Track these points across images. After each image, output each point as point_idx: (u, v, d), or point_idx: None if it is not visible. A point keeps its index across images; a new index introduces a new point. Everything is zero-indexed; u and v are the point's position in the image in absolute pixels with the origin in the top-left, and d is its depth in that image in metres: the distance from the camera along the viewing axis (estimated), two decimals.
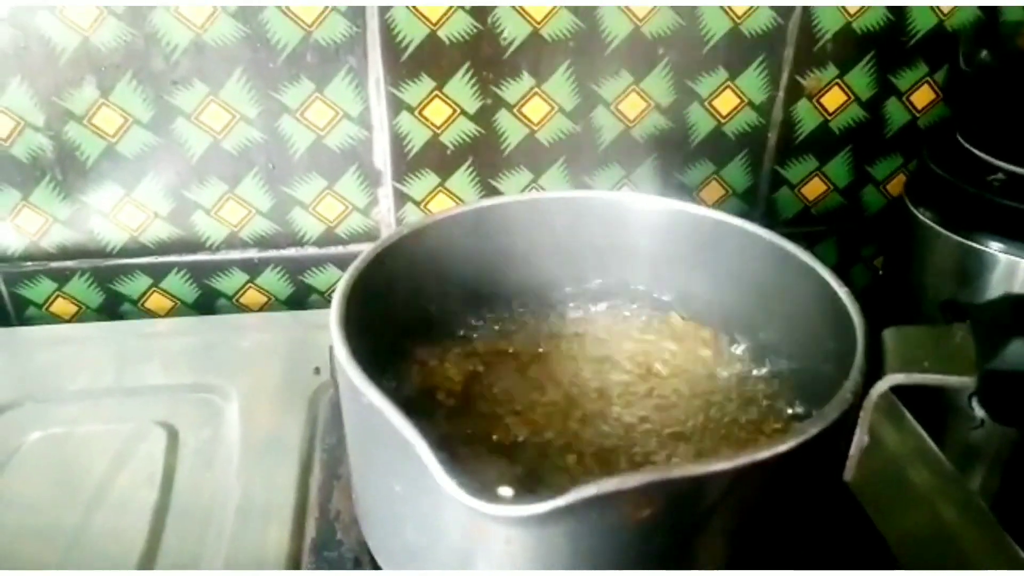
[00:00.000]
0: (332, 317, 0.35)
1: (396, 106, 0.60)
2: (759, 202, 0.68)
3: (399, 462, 0.30)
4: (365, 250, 0.40)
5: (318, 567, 0.40)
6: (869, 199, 0.69)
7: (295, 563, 0.41)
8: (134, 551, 0.42)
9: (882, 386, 0.32)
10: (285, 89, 0.59)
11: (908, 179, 0.68)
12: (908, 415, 0.41)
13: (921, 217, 0.58)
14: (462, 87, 0.60)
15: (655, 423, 0.40)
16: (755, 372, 0.44)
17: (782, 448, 0.29)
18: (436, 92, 0.60)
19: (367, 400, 0.31)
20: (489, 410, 0.41)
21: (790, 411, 0.42)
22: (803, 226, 0.70)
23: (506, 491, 0.28)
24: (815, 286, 0.39)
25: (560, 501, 0.27)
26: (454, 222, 0.44)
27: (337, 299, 0.36)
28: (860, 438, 0.33)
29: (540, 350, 0.46)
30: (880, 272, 0.72)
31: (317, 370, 0.56)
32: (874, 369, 0.33)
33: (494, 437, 0.40)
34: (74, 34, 0.55)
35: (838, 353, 0.36)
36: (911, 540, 0.40)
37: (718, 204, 0.68)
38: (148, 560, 0.42)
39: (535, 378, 0.44)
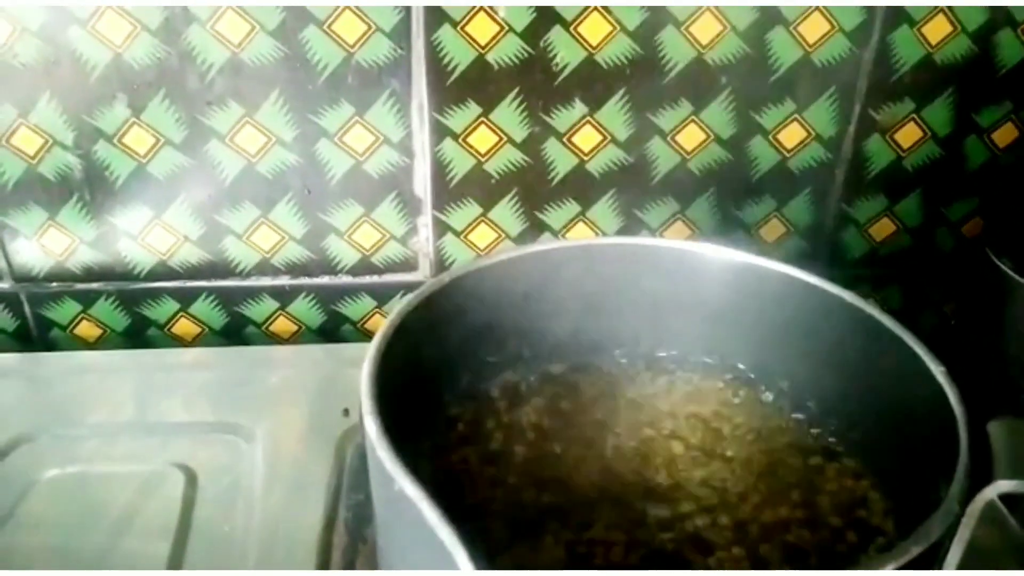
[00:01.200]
0: (363, 386, 0.32)
1: (439, 132, 0.57)
2: (823, 241, 0.64)
3: (432, 560, 0.26)
4: (398, 306, 0.37)
5: None
6: (941, 241, 0.64)
7: None
8: None
9: (989, 494, 0.28)
10: (324, 112, 0.56)
11: (987, 225, 0.63)
12: (1011, 519, 0.37)
13: (1001, 267, 0.54)
14: (510, 114, 0.56)
15: (715, 513, 0.36)
16: (825, 448, 0.39)
17: (882, 573, 0.25)
18: (482, 118, 0.56)
19: (399, 488, 0.27)
20: (530, 481, 0.38)
21: (867, 493, 0.37)
22: (869, 268, 0.65)
23: None
24: (904, 361, 0.35)
25: None
26: (497, 270, 0.41)
27: (368, 364, 0.33)
28: (957, 550, 0.29)
29: (588, 415, 0.42)
30: (952, 321, 0.67)
31: (346, 412, 0.52)
32: (979, 470, 0.29)
33: (533, 517, 0.36)
34: (106, 50, 0.52)
35: (929, 442, 0.32)
36: None
37: (779, 242, 0.63)
38: None
39: (580, 447, 0.40)
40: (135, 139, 0.56)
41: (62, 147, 0.56)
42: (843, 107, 0.58)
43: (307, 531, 0.44)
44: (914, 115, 0.59)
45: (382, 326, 0.35)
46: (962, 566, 0.31)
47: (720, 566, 0.35)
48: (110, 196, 0.58)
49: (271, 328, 0.64)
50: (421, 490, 0.27)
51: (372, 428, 0.30)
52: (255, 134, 0.56)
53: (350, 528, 0.43)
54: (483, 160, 0.58)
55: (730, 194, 0.61)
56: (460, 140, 0.57)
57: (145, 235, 0.59)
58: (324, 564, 0.42)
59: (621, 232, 0.62)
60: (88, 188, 0.57)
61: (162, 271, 0.61)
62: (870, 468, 0.39)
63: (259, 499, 0.46)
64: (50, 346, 0.63)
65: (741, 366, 0.45)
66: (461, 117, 0.56)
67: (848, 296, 0.38)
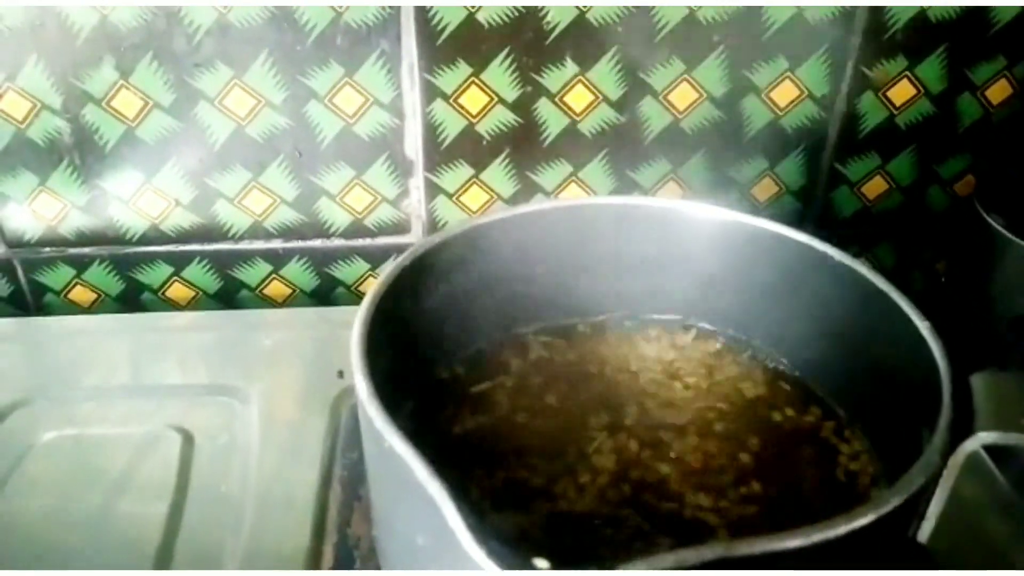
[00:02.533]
0: (353, 346, 0.32)
1: (430, 93, 0.56)
2: (815, 200, 0.64)
3: (422, 514, 0.27)
4: (388, 268, 0.37)
5: None
6: (934, 199, 0.64)
7: None
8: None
9: (971, 446, 0.28)
10: (313, 74, 0.55)
11: (979, 181, 0.63)
12: (994, 468, 0.38)
13: (992, 223, 0.54)
14: (501, 74, 0.56)
15: (707, 469, 0.37)
16: (816, 409, 0.40)
17: (861, 522, 0.25)
18: (473, 79, 0.56)
19: (388, 445, 0.28)
20: (523, 444, 0.38)
21: (852, 449, 0.38)
22: (861, 227, 0.65)
23: (542, 563, 0.25)
24: (889, 316, 0.35)
25: None
26: (487, 230, 0.41)
27: (359, 325, 0.33)
28: (940, 499, 0.30)
29: (579, 375, 0.42)
30: (942, 279, 0.67)
31: (340, 373, 0.53)
32: (961, 422, 0.29)
33: (527, 479, 0.36)
34: (92, 12, 0.52)
35: (913, 394, 0.33)
36: None
37: (771, 202, 0.63)
38: None
39: (571, 407, 0.41)
40: (123, 102, 0.55)
41: (51, 111, 0.55)
42: (836, 65, 0.58)
43: (303, 489, 0.44)
44: (907, 72, 0.58)
45: (372, 287, 0.36)
46: (945, 517, 0.31)
47: (700, 515, 0.35)
48: (100, 160, 0.57)
49: (265, 292, 0.64)
50: (410, 447, 0.27)
51: (362, 387, 0.30)
52: (244, 96, 0.56)
53: (345, 486, 0.43)
54: (474, 121, 0.58)
55: (723, 154, 0.61)
56: (451, 101, 0.57)
57: (136, 199, 0.59)
58: (320, 521, 0.42)
59: (614, 193, 0.62)
60: (78, 152, 0.57)
61: (154, 235, 0.61)
62: (858, 422, 0.40)
63: (255, 459, 0.47)
64: (45, 312, 0.63)
65: (728, 323, 0.45)
66: (452, 77, 0.56)
67: (835, 252, 0.38)
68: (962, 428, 0.29)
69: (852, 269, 0.37)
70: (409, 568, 0.33)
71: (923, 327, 0.33)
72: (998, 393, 0.30)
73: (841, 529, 0.25)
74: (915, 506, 0.29)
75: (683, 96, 0.58)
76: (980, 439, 0.28)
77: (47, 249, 0.61)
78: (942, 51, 0.58)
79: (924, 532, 0.31)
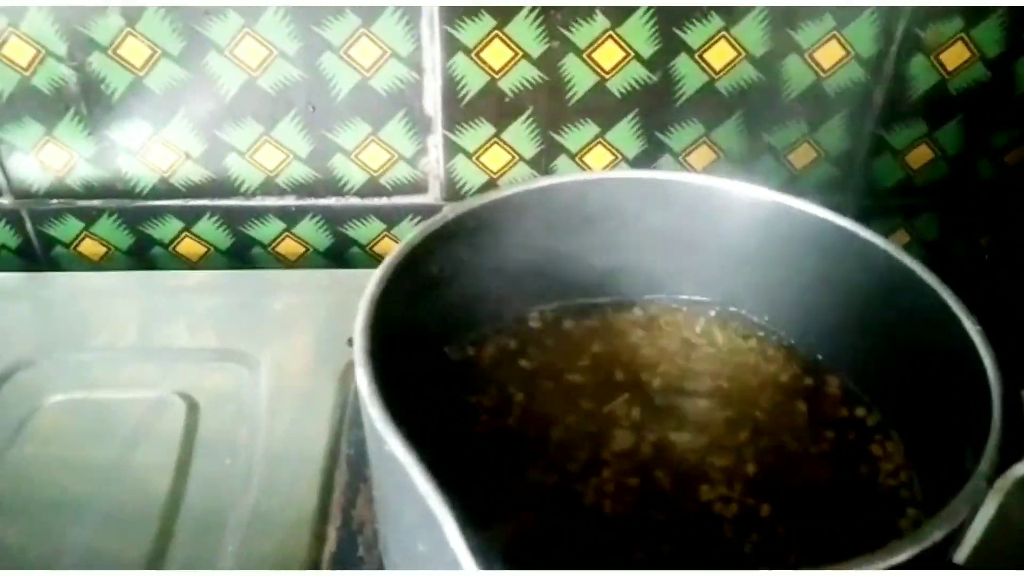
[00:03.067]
0: (356, 337, 0.30)
1: (451, 46, 0.53)
2: (856, 168, 0.60)
3: (423, 524, 0.25)
4: (398, 246, 0.34)
5: None
6: (981, 171, 0.61)
7: None
8: (140, 552, 0.39)
9: (1020, 471, 0.26)
10: (328, 23, 0.52)
11: None
12: None
13: None
14: (526, 27, 0.53)
15: (729, 471, 0.35)
16: (850, 406, 0.38)
17: (900, 557, 0.23)
18: (496, 32, 0.53)
19: (389, 450, 0.26)
20: (538, 430, 0.36)
21: (886, 451, 0.36)
22: (903, 197, 0.62)
23: None
24: (937, 315, 0.32)
25: None
26: (505, 205, 0.38)
27: (362, 316, 0.31)
28: (982, 522, 0.27)
29: (600, 357, 0.40)
30: (985, 255, 0.64)
31: (350, 341, 0.51)
32: (1011, 442, 0.27)
33: (542, 470, 0.35)
34: None
35: (958, 404, 0.30)
36: None
37: (808, 169, 0.60)
38: (153, 559, 0.38)
39: (590, 391, 0.39)
40: (130, 50, 0.53)
41: (55, 58, 0.53)
42: (886, 23, 0.54)
43: (310, 465, 0.43)
44: (962, 34, 0.54)
45: (380, 268, 0.33)
46: (988, 538, 0.29)
47: (730, 510, 0.34)
48: (107, 110, 0.55)
49: (278, 249, 0.62)
50: (412, 454, 0.25)
51: (364, 384, 0.28)
52: (256, 46, 0.53)
53: (351, 465, 0.42)
54: (497, 77, 0.55)
55: (760, 117, 0.57)
56: (473, 55, 0.54)
57: (145, 151, 0.57)
58: (325, 501, 0.41)
59: (642, 156, 0.59)
60: (84, 102, 0.55)
61: (164, 189, 0.59)
62: (893, 423, 0.37)
63: (262, 430, 0.45)
64: (54, 264, 0.62)
65: (760, 308, 0.42)
66: (474, 30, 0.53)
67: (880, 241, 0.35)
68: (1012, 449, 0.27)
69: (897, 260, 0.34)
70: (412, 567, 0.32)
71: (973, 332, 0.30)
72: None
73: (879, 564, 0.23)
74: (957, 536, 0.26)
75: (720, 54, 0.55)
76: None
77: (55, 201, 0.59)
78: (1001, 13, 0.53)
79: (962, 554, 0.29)
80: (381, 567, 0.36)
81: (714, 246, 0.41)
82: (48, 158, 0.57)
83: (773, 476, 0.36)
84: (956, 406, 0.31)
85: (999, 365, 0.29)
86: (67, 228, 0.60)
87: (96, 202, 0.59)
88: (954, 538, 0.27)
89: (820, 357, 0.41)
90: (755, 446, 0.37)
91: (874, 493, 0.35)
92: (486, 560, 0.23)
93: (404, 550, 0.31)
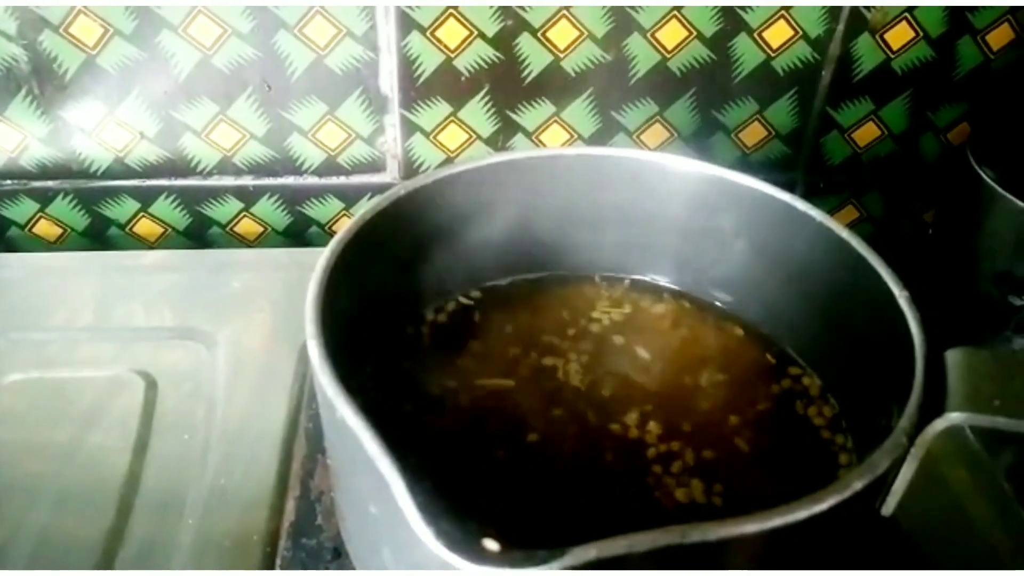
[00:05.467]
0: (308, 307, 0.31)
1: (406, 25, 0.54)
2: (805, 146, 0.62)
3: (374, 486, 0.26)
4: (349, 221, 0.35)
5: (295, 555, 0.37)
6: (926, 148, 0.62)
7: (271, 548, 0.38)
8: (98, 531, 0.39)
9: (940, 426, 0.27)
10: (282, 2, 0.52)
11: (972, 131, 0.61)
12: (976, 444, 0.37)
13: (983, 175, 0.52)
14: (480, 6, 0.53)
15: (672, 428, 0.36)
16: (788, 366, 0.39)
17: (822, 507, 0.25)
18: (451, 11, 0.53)
19: (340, 416, 0.27)
20: (481, 402, 0.37)
21: (824, 416, 0.37)
22: (850, 174, 0.63)
23: (492, 545, 0.24)
24: (869, 282, 0.34)
25: (555, 565, 0.23)
26: (457, 182, 0.39)
27: (314, 285, 0.32)
28: (907, 474, 0.29)
29: (546, 330, 0.41)
30: (930, 230, 0.66)
31: None
32: (933, 400, 0.28)
33: (490, 441, 0.36)
34: None
35: (887, 366, 0.32)
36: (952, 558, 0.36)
37: (759, 146, 0.61)
38: (115, 531, 0.39)
39: (537, 364, 0.40)
40: (82, 29, 0.52)
41: (5, 37, 0.52)
42: (833, 3, 0.55)
43: (268, 438, 0.44)
44: (907, 13, 0.56)
45: (331, 243, 0.34)
46: (914, 490, 0.31)
47: (670, 472, 0.35)
48: (60, 90, 0.55)
49: (236, 229, 0.62)
50: (361, 419, 0.26)
51: (315, 353, 0.29)
52: (209, 24, 0.53)
53: (310, 438, 0.43)
54: (452, 56, 0.55)
55: (711, 96, 0.59)
56: (428, 34, 0.54)
57: (99, 131, 0.57)
58: (284, 474, 0.42)
59: (597, 135, 0.60)
60: (36, 81, 0.54)
61: (119, 169, 0.59)
62: (831, 388, 0.39)
63: (220, 406, 0.46)
64: (10, 246, 0.61)
65: (704, 280, 0.44)
66: (429, 9, 0.53)
67: (816, 213, 0.37)
68: (933, 406, 0.28)
69: (832, 231, 0.36)
70: (363, 534, 0.33)
71: (901, 297, 0.32)
72: (972, 371, 0.29)
73: (802, 514, 0.24)
74: (880, 486, 0.28)
75: (672, 34, 0.56)
76: (950, 419, 0.27)
77: (8, 182, 0.59)
78: None
79: (889, 506, 0.30)
80: (338, 535, 0.37)
81: (661, 221, 0.42)
82: (0, 139, 0.56)
83: (712, 437, 0.37)
84: (886, 369, 0.32)
85: (924, 328, 0.30)
86: (22, 209, 0.60)
87: (51, 183, 0.59)
88: (879, 490, 0.28)
89: (762, 325, 0.42)
90: (696, 410, 0.38)
91: (812, 455, 0.37)
92: (434, 521, 0.24)
93: (358, 514, 0.32)
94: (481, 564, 0.23)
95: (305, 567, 0.37)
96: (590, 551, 0.23)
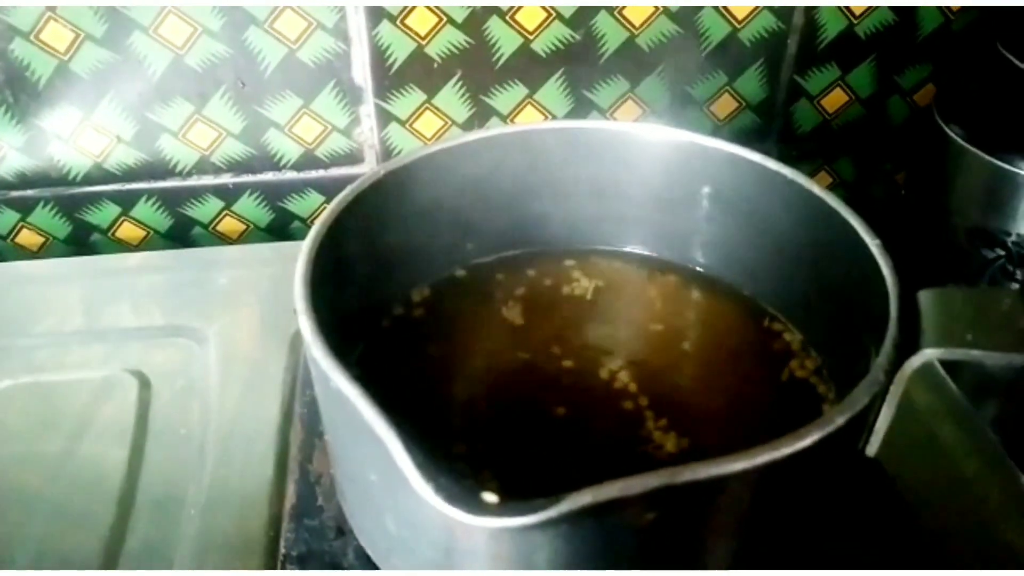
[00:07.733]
0: (297, 284, 0.31)
1: (375, 14, 0.54)
2: (776, 115, 0.63)
3: (372, 453, 0.27)
4: (332, 204, 0.36)
5: (299, 535, 0.38)
6: (894, 111, 0.64)
7: (274, 532, 0.39)
8: (103, 523, 0.39)
9: (916, 362, 0.28)
10: None
11: (938, 91, 0.62)
12: (946, 378, 0.38)
13: (950, 133, 0.53)
14: None
15: (658, 392, 0.37)
16: (769, 324, 0.40)
17: (806, 442, 0.26)
18: None
19: (335, 386, 0.27)
20: (472, 373, 0.38)
21: (807, 368, 0.38)
22: (822, 140, 0.64)
23: (491, 497, 0.25)
24: (841, 234, 0.35)
25: (552, 512, 0.24)
26: (432, 161, 0.39)
27: (302, 262, 0.32)
28: (888, 413, 0.30)
29: (533, 306, 0.42)
30: (902, 191, 0.67)
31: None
32: (908, 338, 0.29)
33: (482, 411, 0.36)
34: None
35: (864, 312, 0.33)
36: (935, 502, 0.37)
37: (731, 118, 0.62)
38: (117, 530, 0.39)
39: (521, 336, 0.41)
40: (53, 35, 0.53)
41: None
42: None
43: (264, 427, 0.44)
44: None
45: (316, 223, 0.35)
46: (895, 430, 0.32)
47: (659, 427, 0.36)
48: (34, 97, 0.55)
49: (218, 228, 0.62)
50: (356, 386, 0.27)
51: (307, 327, 0.30)
52: (180, 24, 0.53)
53: (306, 424, 0.43)
54: (424, 43, 0.56)
55: (681, 70, 0.60)
56: (398, 22, 0.55)
57: (76, 137, 0.57)
58: (282, 460, 0.42)
59: (571, 115, 0.60)
60: (10, 90, 0.55)
61: (98, 174, 0.59)
62: (812, 341, 0.40)
63: (215, 400, 0.46)
64: None
65: (683, 245, 0.44)
66: None
67: (787, 171, 0.37)
68: (909, 345, 0.29)
69: (803, 187, 0.37)
70: (365, 506, 0.33)
71: (873, 245, 0.33)
72: (945, 309, 0.30)
73: (786, 450, 0.25)
74: (861, 423, 0.29)
75: (639, 11, 0.56)
76: (925, 355, 0.28)
77: None
78: None
79: (873, 445, 0.31)
80: (340, 514, 0.38)
81: (637, 189, 0.43)
82: None
83: (702, 396, 0.38)
84: (864, 317, 0.33)
85: (897, 271, 0.31)
86: (3, 220, 0.60)
87: (30, 192, 0.59)
88: (861, 427, 0.29)
89: (743, 287, 0.43)
90: (685, 371, 0.39)
91: (798, 406, 0.38)
92: (433, 477, 0.25)
93: (359, 487, 0.33)
94: (482, 516, 0.24)
95: (309, 547, 0.37)
96: (585, 496, 0.24)
